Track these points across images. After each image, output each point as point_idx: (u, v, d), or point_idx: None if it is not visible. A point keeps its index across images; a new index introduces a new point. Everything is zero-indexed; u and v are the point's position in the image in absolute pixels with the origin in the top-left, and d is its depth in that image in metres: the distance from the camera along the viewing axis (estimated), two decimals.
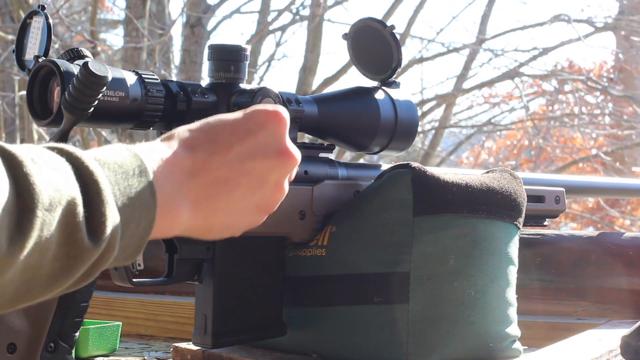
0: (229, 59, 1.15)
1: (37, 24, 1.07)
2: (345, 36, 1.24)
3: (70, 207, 0.67)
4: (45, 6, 1.08)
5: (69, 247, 0.67)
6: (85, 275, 0.71)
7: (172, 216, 0.78)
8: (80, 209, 0.68)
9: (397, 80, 1.25)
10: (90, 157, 0.71)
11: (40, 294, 0.69)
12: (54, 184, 0.66)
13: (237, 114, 0.84)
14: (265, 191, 0.84)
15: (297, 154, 0.85)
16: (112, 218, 0.70)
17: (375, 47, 1.22)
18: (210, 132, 0.82)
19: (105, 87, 0.99)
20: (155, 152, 0.78)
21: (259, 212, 0.86)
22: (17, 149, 0.65)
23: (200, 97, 1.11)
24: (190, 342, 1.20)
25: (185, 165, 0.79)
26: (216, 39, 10.03)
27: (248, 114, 0.84)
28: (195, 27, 8.34)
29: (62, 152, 0.70)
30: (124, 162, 0.74)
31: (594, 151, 9.56)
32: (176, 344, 1.25)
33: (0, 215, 0.61)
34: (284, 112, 0.83)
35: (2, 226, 0.61)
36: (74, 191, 0.68)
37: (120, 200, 0.72)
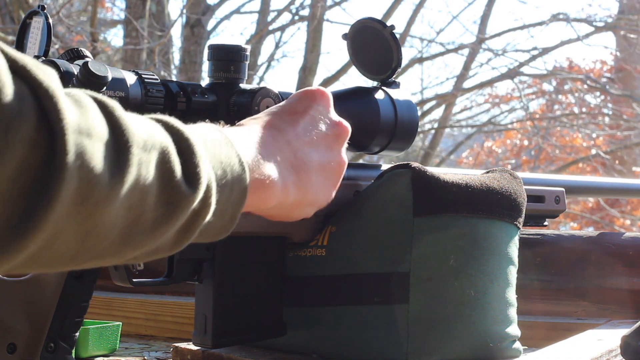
0: (228, 59, 1.15)
1: (37, 24, 1.07)
2: (345, 36, 1.24)
3: (164, 153, 0.69)
4: (45, 6, 1.08)
5: (168, 194, 0.69)
6: (185, 230, 0.73)
7: (266, 187, 0.83)
8: (174, 156, 0.70)
9: (397, 80, 1.25)
10: (179, 122, 0.74)
11: (144, 241, 0.70)
12: (147, 129, 0.69)
13: (287, 100, 0.94)
14: (333, 164, 0.93)
15: (346, 124, 0.96)
16: (206, 170, 0.73)
17: (375, 47, 1.22)
18: (276, 114, 0.91)
19: (105, 87, 0.99)
20: (234, 131, 0.84)
21: (331, 185, 0.94)
22: (106, 98, 0.67)
23: (200, 97, 1.11)
24: (190, 342, 1.20)
25: (270, 138, 0.87)
26: (216, 39, 10.03)
27: (297, 95, 0.94)
28: (195, 28, 8.35)
29: (149, 117, 0.73)
30: (210, 133, 0.78)
31: (593, 151, 9.56)
32: (176, 344, 1.25)
33: (102, 148, 0.63)
34: (325, 89, 0.95)
35: (103, 158, 0.63)
36: (166, 139, 0.70)
37: (211, 162, 0.75)
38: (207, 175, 0.73)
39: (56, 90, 0.60)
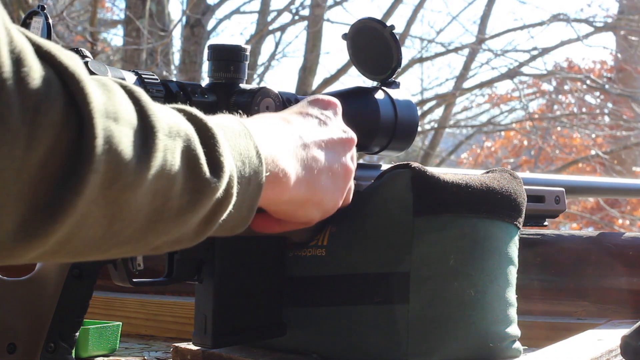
0: (228, 59, 1.15)
1: (36, 24, 1.07)
2: (344, 36, 1.24)
3: (189, 140, 0.69)
4: (45, 6, 1.08)
5: (194, 181, 0.69)
6: (207, 220, 0.73)
7: (281, 180, 0.84)
8: (198, 145, 0.70)
9: (397, 80, 1.25)
10: (200, 112, 0.75)
11: (168, 228, 0.70)
12: (172, 117, 0.69)
13: (300, 103, 0.97)
14: (341, 171, 0.95)
15: (353, 134, 0.97)
16: (229, 160, 0.73)
17: (375, 47, 1.22)
18: (294, 112, 0.93)
19: None
20: (251, 122, 0.85)
21: (337, 190, 0.96)
22: (132, 85, 0.68)
23: (200, 97, 1.11)
24: (190, 342, 1.20)
25: (287, 133, 0.88)
26: (216, 39, 10.03)
27: (309, 100, 0.96)
28: (195, 28, 8.35)
29: (171, 107, 0.74)
30: (230, 124, 0.78)
31: (593, 151, 9.56)
32: (176, 344, 1.25)
33: (130, 132, 0.63)
34: (337, 100, 0.98)
35: (131, 143, 0.63)
36: (190, 128, 0.71)
37: (232, 153, 0.75)
38: (230, 165, 0.73)
39: (82, 74, 0.61)
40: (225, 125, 0.77)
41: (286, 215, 0.94)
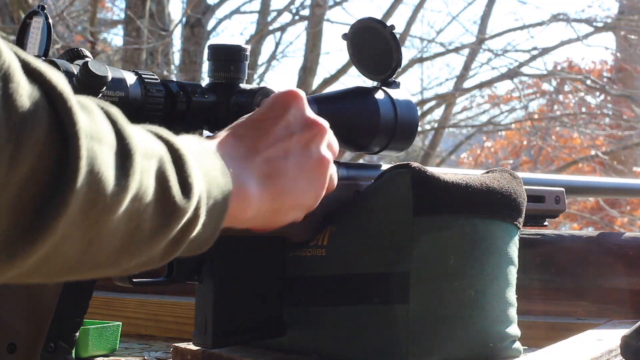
0: (228, 59, 1.15)
1: (36, 24, 1.06)
2: (344, 36, 1.24)
3: (162, 162, 0.69)
4: (45, 6, 1.08)
5: (166, 203, 0.69)
6: (176, 241, 0.73)
7: (242, 198, 0.83)
8: (170, 166, 0.70)
9: (397, 80, 1.25)
10: (168, 131, 0.75)
11: (141, 250, 0.70)
12: (146, 138, 0.70)
13: (260, 107, 0.94)
14: (313, 164, 0.92)
15: (323, 121, 0.93)
16: (197, 179, 0.73)
17: (375, 47, 1.22)
18: (248, 124, 0.91)
19: (105, 87, 0.99)
20: (210, 142, 0.84)
21: (316, 185, 0.93)
22: (108, 105, 0.68)
23: (200, 97, 1.11)
24: (190, 342, 1.20)
25: (241, 149, 0.86)
26: (216, 39, 10.03)
27: (269, 102, 0.93)
28: (195, 28, 8.35)
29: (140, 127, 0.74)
30: (194, 144, 0.78)
31: (593, 151, 9.56)
32: (176, 344, 1.25)
33: (110, 155, 0.63)
34: (298, 90, 0.93)
35: (112, 164, 0.63)
36: (162, 149, 0.71)
37: (200, 173, 0.75)
38: (199, 186, 0.73)
39: (69, 94, 0.60)
40: (191, 145, 0.76)
41: (263, 227, 0.92)
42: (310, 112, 0.93)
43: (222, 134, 0.88)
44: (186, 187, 0.71)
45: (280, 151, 0.90)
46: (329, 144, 0.95)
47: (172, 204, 0.69)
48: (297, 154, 0.91)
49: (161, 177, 0.69)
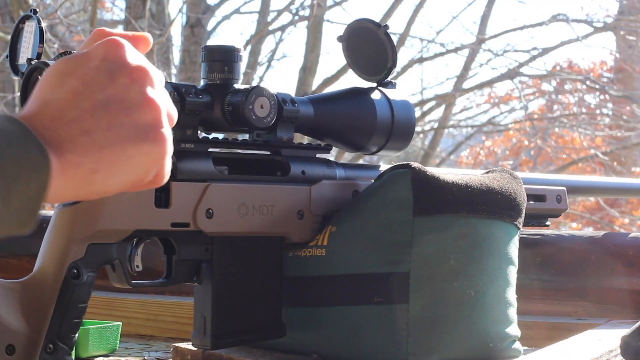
0: (222, 60, 1.15)
1: (29, 28, 1.07)
2: (340, 38, 1.24)
3: None
4: (38, 10, 1.08)
5: None
6: None
7: (63, 171, 0.76)
8: None
9: (393, 80, 1.25)
10: None
11: None
12: None
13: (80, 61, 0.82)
14: (133, 112, 0.80)
15: (141, 63, 0.82)
16: None
17: (370, 48, 1.22)
18: (41, 87, 0.81)
19: None
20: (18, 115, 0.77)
21: (145, 139, 0.80)
22: None
23: (194, 97, 1.11)
24: (190, 342, 1.20)
25: (43, 116, 0.78)
26: (216, 39, 10.02)
27: (64, 57, 0.82)
28: (195, 28, 8.35)
29: None
30: (2, 126, 0.73)
31: (592, 151, 9.56)
32: (176, 344, 1.25)
33: None
34: (115, 35, 0.83)
35: None
36: None
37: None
38: None
39: None
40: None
41: (88, 194, 0.81)
42: (130, 57, 0.82)
43: (32, 101, 0.80)
44: None
45: (84, 108, 0.79)
46: (158, 89, 0.83)
47: None
48: (109, 103, 0.80)
49: None
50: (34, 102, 0.79)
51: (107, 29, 0.85)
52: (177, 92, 1.09)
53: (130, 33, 0.88)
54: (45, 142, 0.75)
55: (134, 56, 0.82)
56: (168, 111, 0.83)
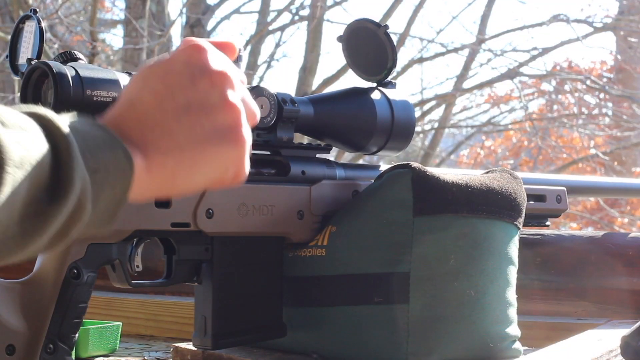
0: None
1: (29, 27, 1.07)
2: (340, 38, 1.24)
3: (38, 166, 0.69)
4: (38, 10, 1.08)
5: (36, 206, 0.69)
6: (61, 234, 0.72)
7: (145, 171, 0.79)
8: (47, 166, 0.69)
9: (393, 80, 1.25)
10: (63, 120, 0.73)
11: (14, 251, 0.70)
12: (24, 143, 0.68)
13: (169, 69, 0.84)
14: (214, 115, 0.83)
15: (222, 67, 0.84)
16: (80, 175, 0.72)
17: (370, 48, 1.22)
18: (128, 89, 0.83)
19: (98, 89, 1.00)
20: (100, 119, 0.80)
21: (224, 140, 0.83)
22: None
23: None
24: (191, 342, 1.20)
25: (129, 122, 0.81)
26: (216, 39, 10.02)
27: (175, 54, 0.84)
28: (195, 28, 8.34)
29: (33, 115, 0.72)
30: (90, 130, 0.76)
31: (592, 151, 9.56)
32: (176, 344, 1.25)
33: None
34: (199, 41, 0.85)
35: None
36: (42, 150, 0.70)
37: (91, 162, 0.73)
38: (82, 179, 0.72)
39: None
40: (84, 132, 0.74)
41: (170, 192, 0.84)
42: (213, 62, 0.84)
43: (118, 105, 0.82)
44: (65, 185, 0.70)
45: (169, 109, 0.81)
46: (238, 92, 0.85)
47: (43, 206, 0.69)
48: (194, 106, 0.82)
49: (33, 185, 0.68)
50: (121, 104, 0.82)
51: (194, 38, 0.87)
52: None
53: (216, 40, 0.90)
54: (130, 143, 0.78)
55: (216, 60, 0.84)
56: (250, 111, 0.86)
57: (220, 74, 0.84)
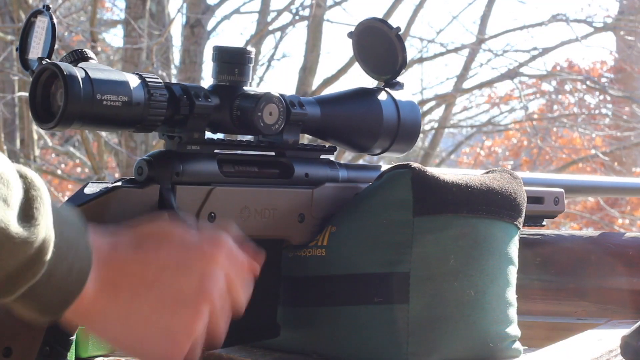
0: (233, 62, 1.14)
1: (41, 23, 1.05)
2: (350, 34, 1.24)
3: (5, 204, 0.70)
4: (50, 6, 1.06)
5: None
6: (7, 282, 0.73)
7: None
8: (16, 205, 0.71)
9: (400, 81, 1.25)
10: (42, 187, 0.75)
11: None
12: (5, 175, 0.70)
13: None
14: (185, 293, 0.87)
15: (219, 236, 0.91)
16: (45, 225, 0.72)
17: (380, 47, 1.22)
18: (127, 231, 0.87)
19: (107, 91, 0.99)
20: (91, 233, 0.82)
21: (183, 319, 0.87)
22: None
23: (204, 100, 1.09)
24: None
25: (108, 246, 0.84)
26: (216, 39, 10.03)
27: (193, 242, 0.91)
28: (195, 28, 8.34)
29: (16, 170, 0.74)
30: (68, 214, 0.77)
31: (592, 151, 9.56)
32: None
33: None
34: (223, 237, 0.91)
35: None
36: (17, 186, 0.71)
37: (57, 229, 0.74)
38: (46, 230, 0.72)
39: None
40: (60, 210, 0.76)
41: (115, 338, 0.87)
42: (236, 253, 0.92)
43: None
44: (29, 219, 0.71)
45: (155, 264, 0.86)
46: (229, 280, 0.92)
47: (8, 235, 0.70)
48: (170, 271, 0.86)
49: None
50: (110, 236, 0.85)
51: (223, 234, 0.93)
52: (187, 95, 1.08)
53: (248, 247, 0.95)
54: (95, 256, 0.79)
55: (229, 256, 0.91)
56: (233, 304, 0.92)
57: (212, 265, 0.89)
